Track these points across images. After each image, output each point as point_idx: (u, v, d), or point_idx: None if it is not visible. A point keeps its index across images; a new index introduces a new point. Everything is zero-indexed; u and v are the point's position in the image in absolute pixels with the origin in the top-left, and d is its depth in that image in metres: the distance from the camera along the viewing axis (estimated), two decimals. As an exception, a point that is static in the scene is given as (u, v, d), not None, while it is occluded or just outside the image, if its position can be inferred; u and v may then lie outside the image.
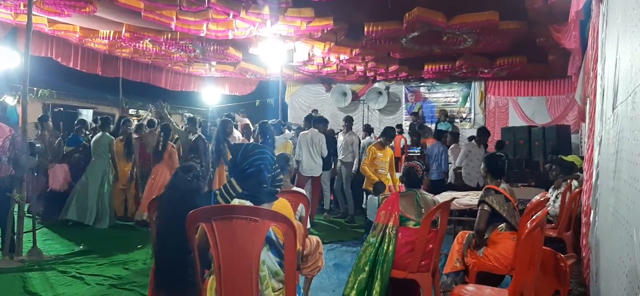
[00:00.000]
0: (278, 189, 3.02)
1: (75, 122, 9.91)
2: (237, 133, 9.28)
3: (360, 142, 10.14)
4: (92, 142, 8.53)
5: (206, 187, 7.24)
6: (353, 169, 9.53)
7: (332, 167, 9.84)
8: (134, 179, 8.97)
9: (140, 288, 5.04)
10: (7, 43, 9.63)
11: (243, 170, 2.90)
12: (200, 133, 8.38)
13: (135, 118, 15.58)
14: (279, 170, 3.03)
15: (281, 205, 3.01)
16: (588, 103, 5.48)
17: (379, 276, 3.88)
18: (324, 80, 16.23)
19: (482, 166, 4.75)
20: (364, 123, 13.80)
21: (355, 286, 3.92)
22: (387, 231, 4.03)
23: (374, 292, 3.86)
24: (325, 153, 8.89)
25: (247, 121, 11.82)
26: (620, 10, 2.56)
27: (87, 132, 9.59)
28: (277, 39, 9.83)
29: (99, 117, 9.45)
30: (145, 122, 10.38)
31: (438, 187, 8.82)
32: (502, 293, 3.44)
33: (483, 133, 9.53)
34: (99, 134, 8.52)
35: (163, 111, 8.90)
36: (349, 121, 10.13)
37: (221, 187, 3.01)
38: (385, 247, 3.97)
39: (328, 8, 8.18)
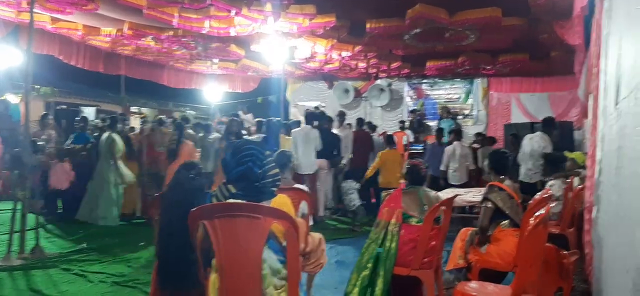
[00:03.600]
0: (274, 187, 2.96)
1: (78, 119, 9.87)
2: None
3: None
4: (100, 141, 8.53)
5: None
6: (343, 162, 9.55)
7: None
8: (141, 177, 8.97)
9: (143, 286, 5.04)
10: (10, 41, 9.63)
11: (233, 168, 2.87)
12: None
13: (138, 115, 15.63)
14: (274, 165, 2.95)
15: (281, 201, 2.98)
16: (591, 99, 5.47)
17: (381, 274, 3.87)
18: (326, 77, 16.20)
19: (485, 162, 4.74)
20: (367, 120, 13.78)
21: (358, 283, 3.91)
22: (389, 228, 4.02)
23: (377, 289, 3.85)
24: (319, 147, 8.84)
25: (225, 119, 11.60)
26: (624, 6, 2.56)
27: (89, 130, 9.53)
28: (279, 36, 9.81)
29: (107, 117, 9.44)
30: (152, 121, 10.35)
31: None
32: (505, 290, 3.44)
33: (550, 124, 8.43)
34: (106, 134, 8.51)
35: None
36: (341, 116, 10.18)
37: (216, 188, 2.98)
38: (387, 244, 3.96)
39: (330, 5, 8.17)
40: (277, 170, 2.93)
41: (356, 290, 3.90)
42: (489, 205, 4.31)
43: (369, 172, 9.23)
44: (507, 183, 4.46)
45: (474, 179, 9.23)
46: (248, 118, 12.28)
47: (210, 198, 2.91)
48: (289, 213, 2.69)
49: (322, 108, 12.54)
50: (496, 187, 4.38)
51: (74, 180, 8.43)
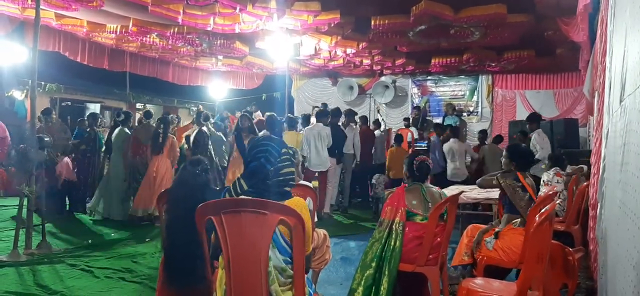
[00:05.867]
0: (287, 186, 2.81)
1: (87, 115, 9.89)
2: None
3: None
4: (113, 136, 8.56)
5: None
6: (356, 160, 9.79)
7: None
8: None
9: (149, 281, 5.06)
10: (15, 37, 9.66)
11: (247, 164, 2.82)
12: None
13: (141, 112, 15.66)
14: (289, 163, 2.82)
15: (296, 203, 2.89)
16: (596, 96, 5.46)
17: (386, 272, 3.86)
18: (330, 74, 16.21)
19: (504, 156, 4.71)
20: (374, 118, 13.84)
21: (362, 282, 3.91)
22: (393, 227, 4.00)
23: (382, 287, 3.84)
24: (330, 145, 8.91)
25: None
26: (629, 2, 2.55)
27: (97, 128, 9.46)
28: (284, 33, 9.82)
29: (121, 112, 9.51)
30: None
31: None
32: (510, 287, 3.44)
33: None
34: (118, 129, 8.54)
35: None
36: (350, 115, 10.22)
37: (231, 184, 2.97)
38: (392, 243, 3.93)
39: (335, 1, 8.17)
40: (292, 169, 2.82)
41: (361, 287, 3.90)
42: (517, 188, 4.32)
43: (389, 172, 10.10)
44: (528, 181, 4.44)
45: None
46: (257, 116, 12.34)
47: (224, 193, 2.90)
48: (298, 212, 2.63)
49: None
50: (517, 177, 4.40)
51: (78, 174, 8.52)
